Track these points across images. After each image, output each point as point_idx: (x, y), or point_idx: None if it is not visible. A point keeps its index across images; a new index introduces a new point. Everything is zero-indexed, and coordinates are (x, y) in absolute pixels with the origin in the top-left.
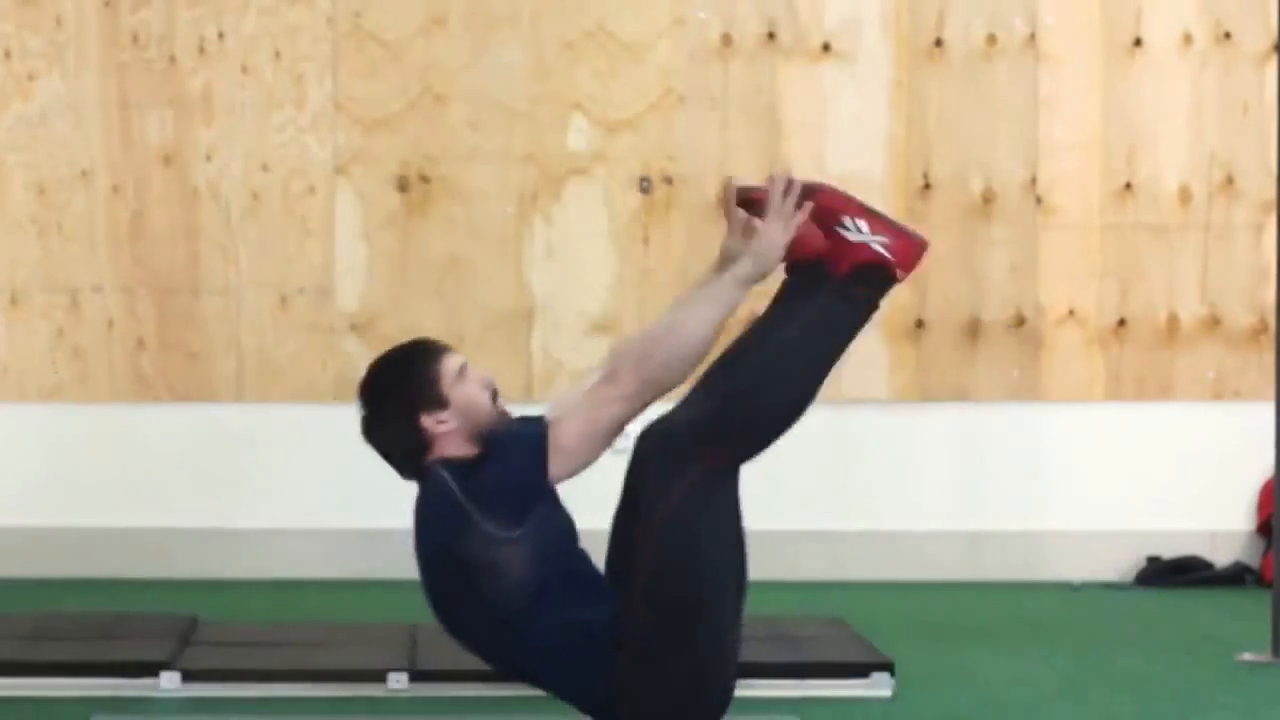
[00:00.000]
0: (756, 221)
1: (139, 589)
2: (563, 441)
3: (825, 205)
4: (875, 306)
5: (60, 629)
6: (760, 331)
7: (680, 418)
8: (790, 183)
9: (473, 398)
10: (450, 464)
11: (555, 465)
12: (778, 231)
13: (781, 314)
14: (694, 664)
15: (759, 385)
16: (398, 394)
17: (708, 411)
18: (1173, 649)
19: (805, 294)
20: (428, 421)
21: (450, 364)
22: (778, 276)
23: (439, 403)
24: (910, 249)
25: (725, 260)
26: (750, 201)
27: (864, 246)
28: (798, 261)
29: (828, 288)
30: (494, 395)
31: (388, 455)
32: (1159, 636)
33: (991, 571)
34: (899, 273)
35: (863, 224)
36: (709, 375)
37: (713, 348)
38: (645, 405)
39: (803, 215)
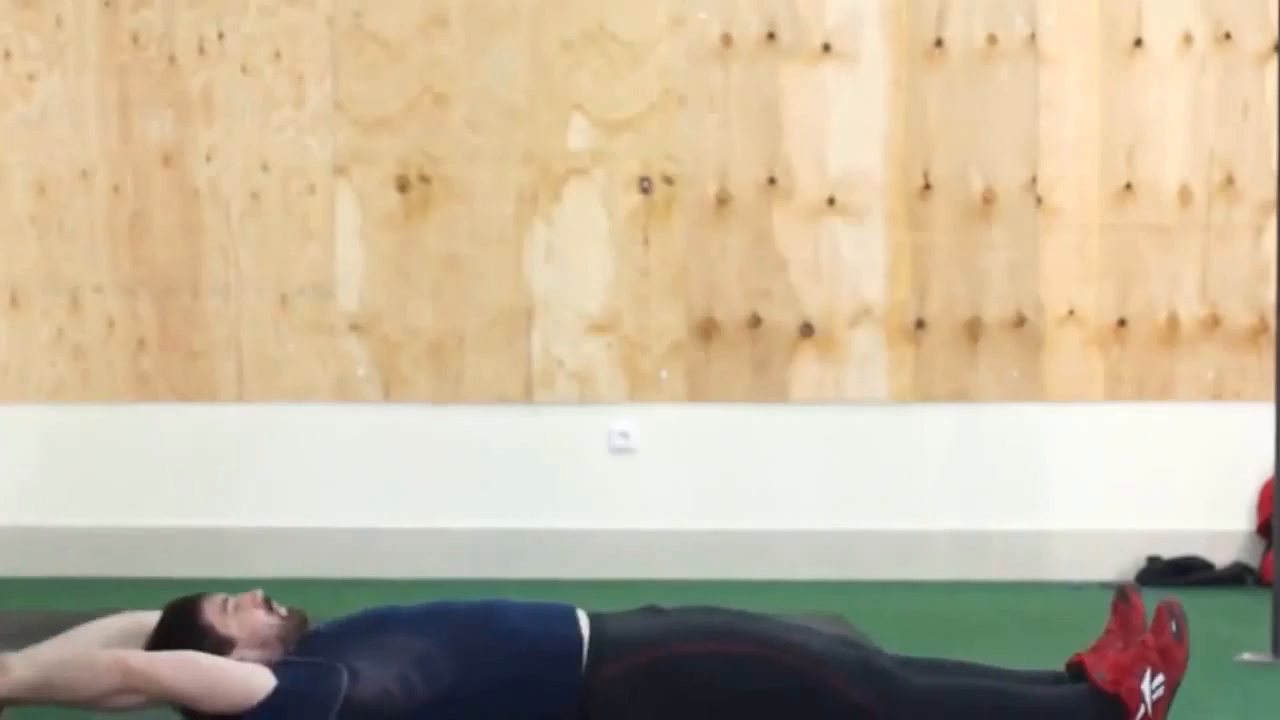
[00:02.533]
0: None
1: (139, 589)
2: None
3: (1167, 650)
4: None
5: (60, 629)
6: (995, 677)
7: (881, 660)
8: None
9: (252, 625)
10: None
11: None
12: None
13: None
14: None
15: (941, 702)
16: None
17: (896, 677)
18: None
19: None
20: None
21: (211, 607)
22: None
23: (228, 644)
24: None
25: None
26: (1126, 609)
27: (1136, 695)
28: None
29: (1085, 689)
30: (268, 604)
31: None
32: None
33: (991, 571)
34: None
35: (1160, 691)
36: (929, 671)
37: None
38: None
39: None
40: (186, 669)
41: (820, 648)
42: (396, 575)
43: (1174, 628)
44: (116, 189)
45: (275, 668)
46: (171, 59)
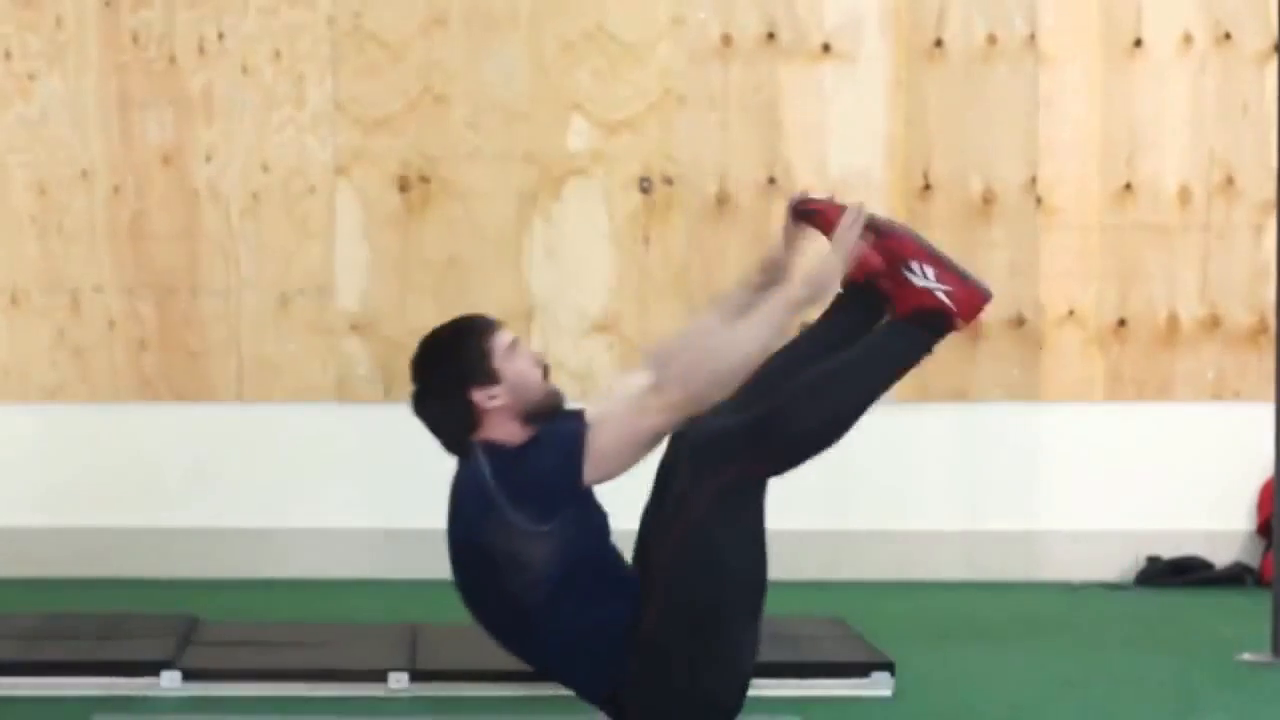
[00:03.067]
0: (811, 240)
1: (139, 589)
2: (600, 446)
3: (894, 248)
4: (929, 350)
5: (60, 629)
6: (809, 350)
7: (718, 424)
8: (861, 214)
9: (523, 373)
10: (491, 449)
11: (590, 470)
12: (839, 260)
13: (833, 335)
14: (706, 668)
15: (803, 406)
16: (449, 368)
17: (747, 422)
18: (1173, 649)
19: (860, 321)
20: (478, 396)
21: (502, 339)
22: None
23: (490, 377)
24: (973, 299)
25: (768, 268)
26: (810, 213)
27: (928, 293)
28: (854, 281)
29: (888, 324)
30: (545, 371)
31: (435, 429)
32: (1159, 636)
33: (991, 571)
34: (959, 322)
35: (929, 270)
36: (753, 385)
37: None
38: (686, 418)
39: (865, 245)
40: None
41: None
42: (396, 575)
43: (876, 229)
44: (116, 189)
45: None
46: (171, 59)
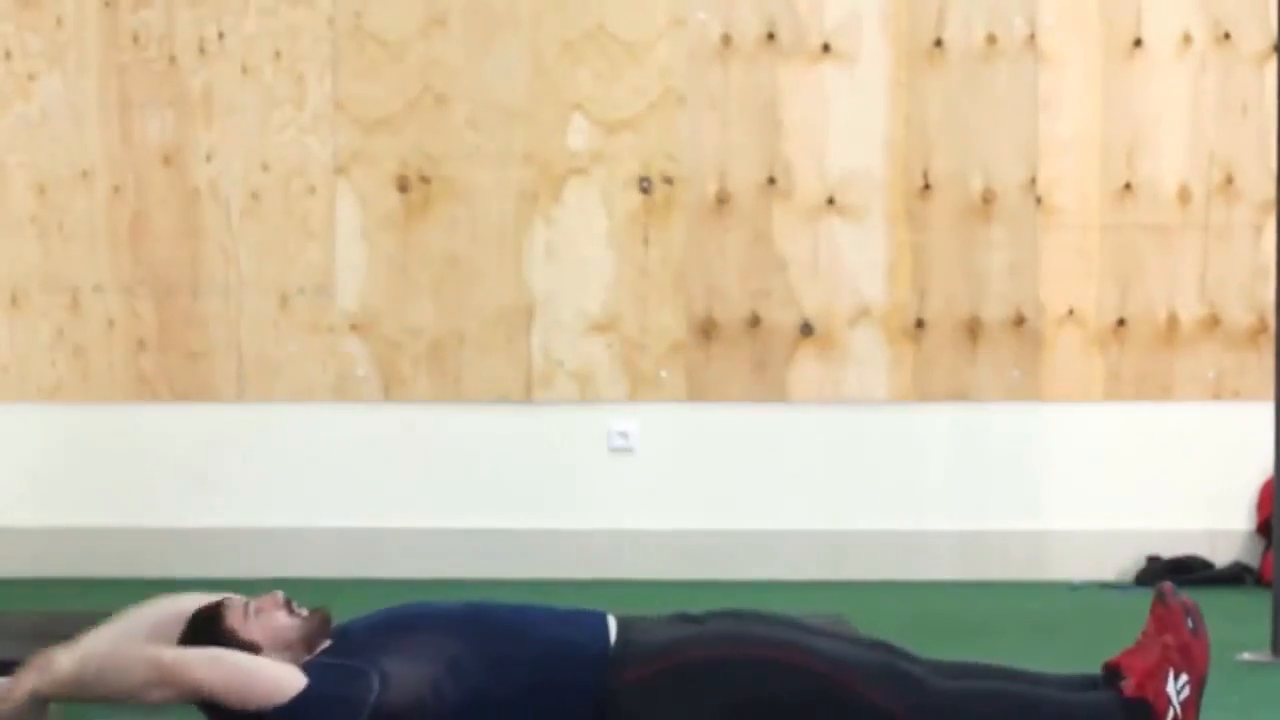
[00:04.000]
0: None
1: (139, 589)
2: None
3: (1188, 648)
4: None
5: (60, 629)
6: (1021, 676)
7: (909, 663)
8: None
9: (274, 628)
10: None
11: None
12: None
13: (1043, 677)
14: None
15: (970, 703)
16: None
17: (921, 680)
18: None
19: (1086, 681)
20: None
21: (233, 612)
22: None
23: (252, 649)
24: None
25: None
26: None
27: (1165, 697)
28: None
29: (1112, 695)
30: (289, 606)
31: None
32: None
33: (991, 571)
34: None
35: (1186, 691)
36: (957, 672)
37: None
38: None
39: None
40: (218, 666)
41: (844, 652)
42: (396, 575)
43: (1190, 624)
44: (116, 189)
45: (306, 668)
46: (171, 59)
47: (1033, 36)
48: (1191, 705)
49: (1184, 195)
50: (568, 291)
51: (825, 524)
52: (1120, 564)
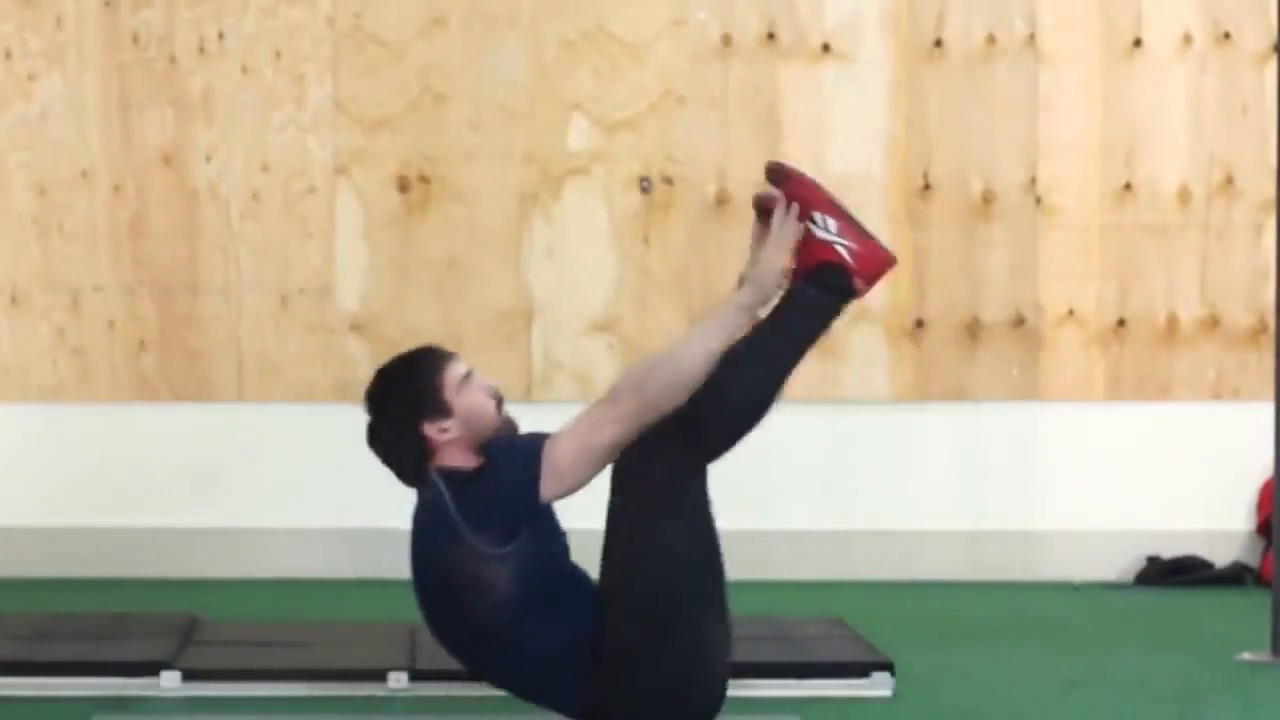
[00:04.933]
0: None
1: (139, 589)
2: (557, 461)
3: (796, 194)
4: (835, 312)
5: (60, 629)
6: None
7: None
8: (794, 210)
9: (476, 405)
10: (448, 474)
11: (548, 485)
12: (775, 256)
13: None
14: (676, 666)
15: (721, 388)
16: (401, 401)
17: (677, 413)
18: (1173, 649)
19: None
20: (430, 429)
21: (454, 371)
22: None
23: (442, 410)
24: (876, 261)
25: (749, 267)
26: (766, 211)
27: (828, 246)
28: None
29: (790, 290)
30: (499, 403)
31: (389, 462)
32: (1159, 636)
33: (991, 571)
34: (858, 282)
35: (831, 223)
36: None
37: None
38: (643, 428)
39: (798, 228)
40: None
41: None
42: (397, 575)
43: (774, 179)
44: (116, 189)
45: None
46: (171, 59)
47: (1033, 36)
48: (846, 224)
49: (1184, 195)
50: (568, 291)
51: (825, 524)
52: (1120, 564)
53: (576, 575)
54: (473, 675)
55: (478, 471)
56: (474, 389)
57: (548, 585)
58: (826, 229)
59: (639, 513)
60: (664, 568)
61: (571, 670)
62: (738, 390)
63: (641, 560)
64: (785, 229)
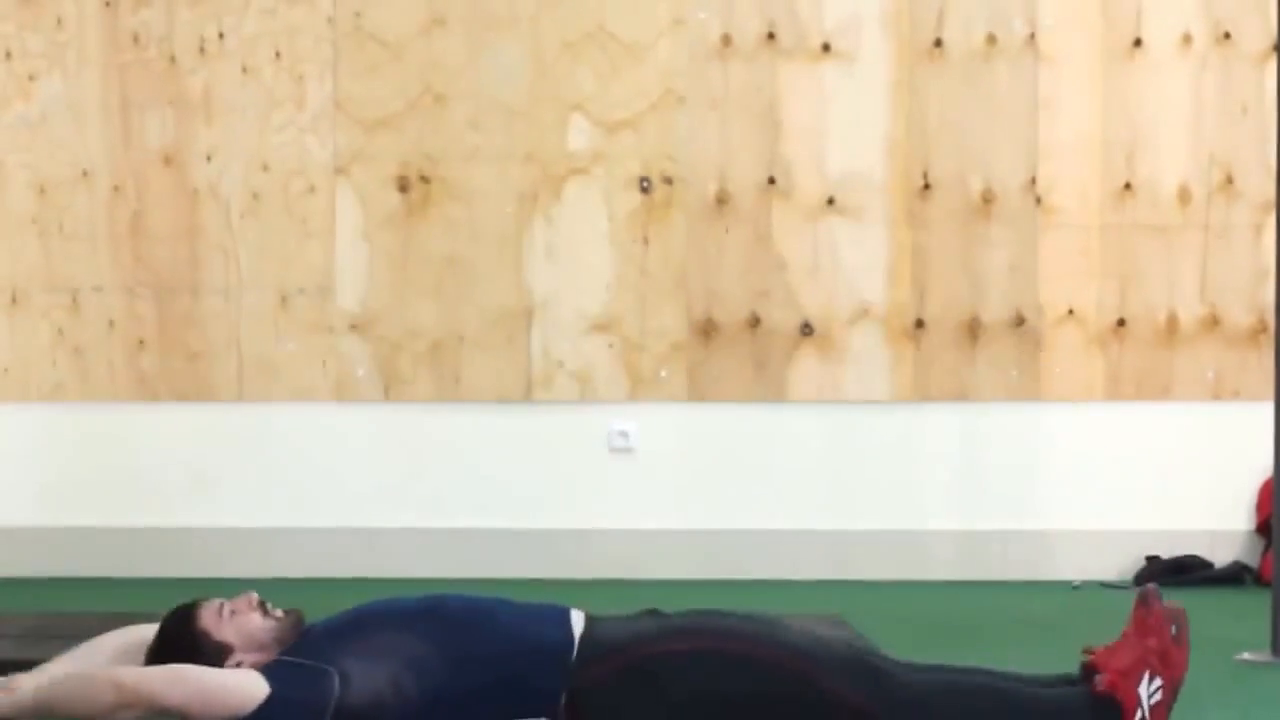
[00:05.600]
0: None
1: (139, 589)
2: None
3: (1169, 656)
4: None
5: (60, 629)
6: (989, 675)
7: (877, 661)
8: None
9: (248, 629)
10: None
11: None
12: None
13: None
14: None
15: (938, 701)
16: (193, 661)
17: (894, 677)
18: None
19: (1048, 680)
20: (230, 670)
21: (208, 613)
22: None
23: (225, 651)
24: None
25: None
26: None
27: (1134, 696)
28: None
29: (1073, 694)
30: (263, 608)
31: None
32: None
33: (991, 571)
34: None
35: (1159, 692)
36: (927, 673)
37: None
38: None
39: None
40: (178, 683)
41: (813, 647)
42: (396, 575)
43: (1174, 630)
44: (116, 189)
45: (267, 670)
46: (171, 59)
47: (1033, 36)
48: (1162, 709)
49: (1184, 195)
50: (568, 291)
51: (825, 524)
52: (1120, 564)
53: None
54: None
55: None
56: (237, 617)
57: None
58: (1148, 691)
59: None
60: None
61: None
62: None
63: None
64: (1131, 650)
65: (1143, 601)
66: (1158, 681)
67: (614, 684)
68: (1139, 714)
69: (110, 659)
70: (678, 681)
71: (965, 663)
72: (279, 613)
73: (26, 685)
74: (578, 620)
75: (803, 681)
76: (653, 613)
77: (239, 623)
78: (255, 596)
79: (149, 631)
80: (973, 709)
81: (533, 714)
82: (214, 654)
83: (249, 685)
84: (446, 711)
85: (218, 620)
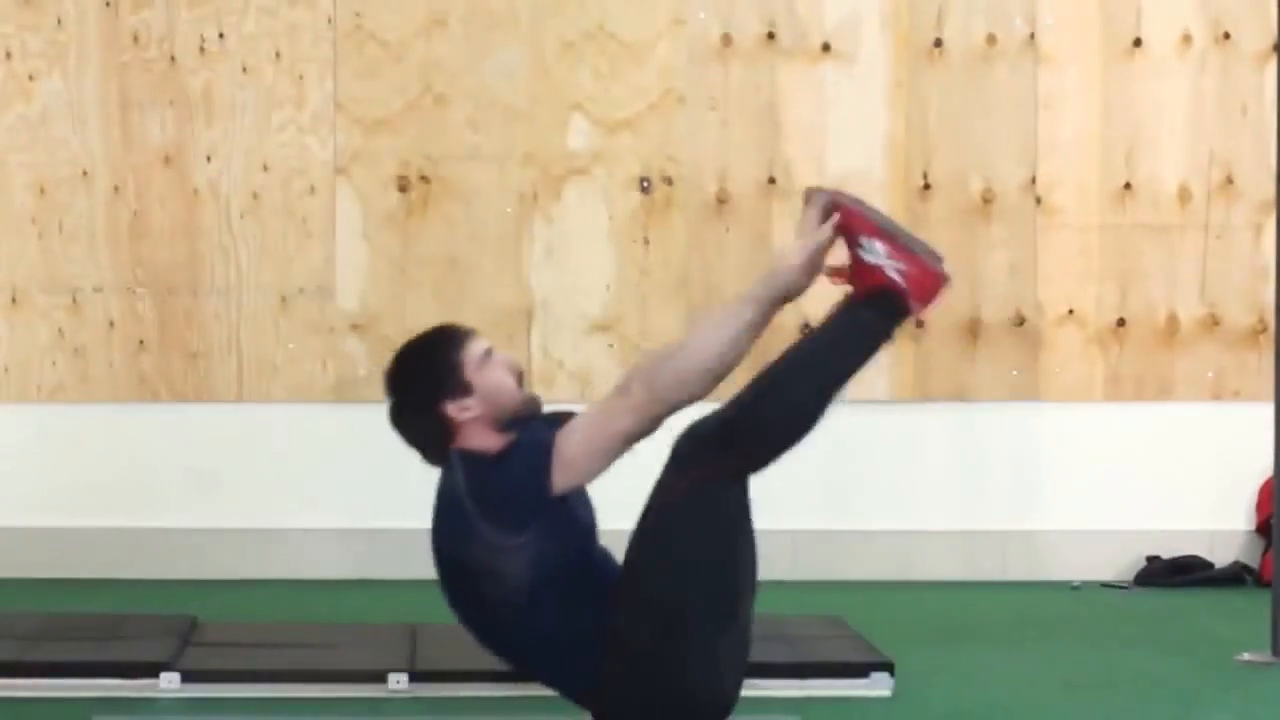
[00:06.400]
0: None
1: (139, 589)
2: (568, 453)
3: (843, 222)
4: (886, 334)
5: (60, 629)
6: (790, 348)
7: (703, 423)
8: (812, 193)
9: (497, 382)
10: (467, 459)
11: (559, 477)
12: (795, 249)
13: (812, 333)
14: (679, 670)
15: (766, 401)
16: (422, 381)
17: (720, 418)
18: (1173, 649)
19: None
20: (452, 409)
21: (474, 349)
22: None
23: (463, 389)
24: (928, 281)
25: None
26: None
27: (878, 270)
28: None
29: (841, 308)
30: (520, 378)
31: (412, 442)
32: (1159, 636)
33: (991, 571)
34: (913, 303)
35: (879, 246)
36: (747, 386)
37: (730, 364)
38: (656, 421)
39: (828, 232)
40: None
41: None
42: (396, 575)
43: (821, 204)
44: (116, 189)
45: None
46: (171, 59)
47: (1033, 36)
48: (895, 245)
49: (1184, 195)
50: (568, 291)
51: (825, 524)
52: (1120, 564)
53: (597, 561)
54: (480, 645)
55: (497, 458)
56: (494, 366)
57: (566, 573)
58: (874, 252)
59: (660, 519)
60: (678, 575)
61: (581, 655)
62: (778, 403)
63: (657, 563)
64: (816, 233)
65: (810, 203)
66: (865, 239)
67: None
68: (894, 275)
69: None
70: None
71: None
72: (530, 392)
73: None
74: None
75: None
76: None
77: (492, 374)
78: (519, 364)
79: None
80: (793, 386)
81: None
82: (450, 386)
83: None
84: (545, 603)
85: (476, 359)
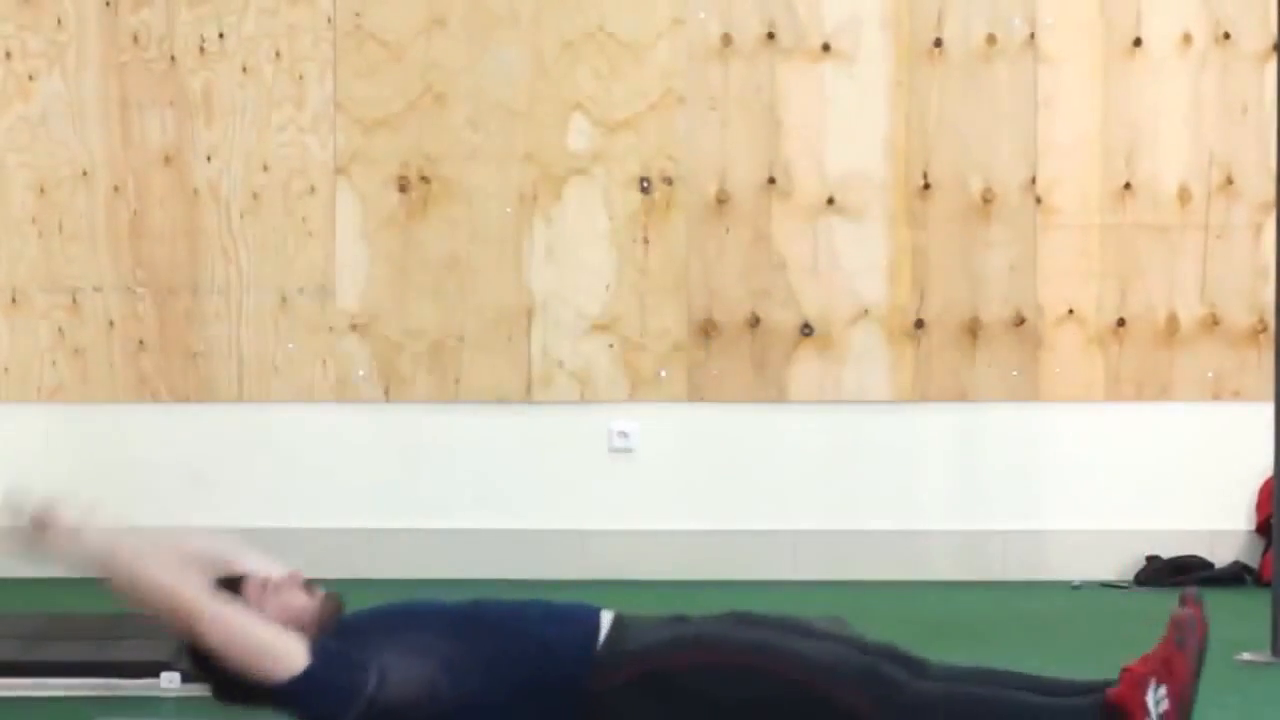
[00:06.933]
0: None
1: None
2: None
3: (1173, 665)
4: None
5: (60, 629)
6: (1017, 680)
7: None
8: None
9: (286, 604)
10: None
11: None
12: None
13: (1034, 680)
14: None
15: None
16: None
17: (923, 683)
18: None
19: (1074, 688)
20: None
21: (251, 587)
22: None
23: None
24: None
25: None
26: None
27: (1141, 706)
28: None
29: (1092, 702)
30: (307, 587)
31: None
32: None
33: (991, 571)
34: None
35: (1164, 703)
36: (965, 670)
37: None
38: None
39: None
40: (225, 625)
41: (823, 655)
42: (397, 575)
43: (1178, 639)
44: (116, 189)
45: (313, 646)
46: (171, 59)
47: (1033, 36)
48: (1170, 718)
49: (1184, 195)
50: (568, 291)
51: (825, 524)
52: (1120, 564)
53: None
54: None
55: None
56: (281, 592)
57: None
58: (1154, 699)
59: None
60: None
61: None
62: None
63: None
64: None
65: (1180, 603)
66: (1163, 689)
67: (628, 692)
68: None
69: (192, 560)
70: (686, 693)
71: (1002, 667)
72: (321, 593)
73: (96, 539)
74: (605, 622)
75: (814, 699)
76: (679, 619)
77: (281, 599)
78: (299, 574)
79: (234, 552)
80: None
81: (554, 715)
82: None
83: (290, 654)
84: (476, 714)
85: (260, 593)
